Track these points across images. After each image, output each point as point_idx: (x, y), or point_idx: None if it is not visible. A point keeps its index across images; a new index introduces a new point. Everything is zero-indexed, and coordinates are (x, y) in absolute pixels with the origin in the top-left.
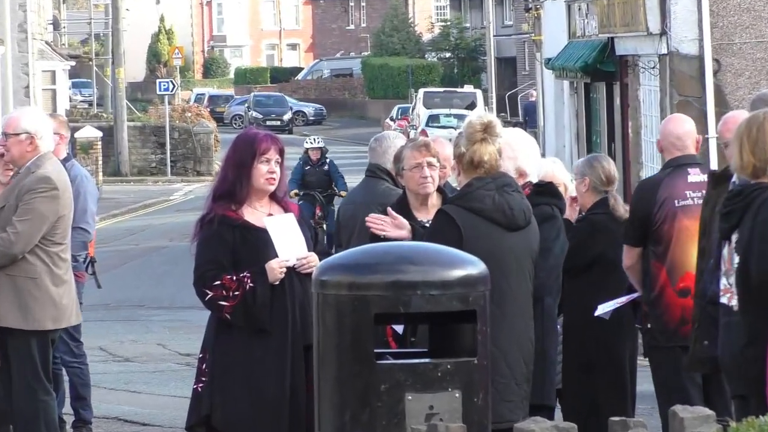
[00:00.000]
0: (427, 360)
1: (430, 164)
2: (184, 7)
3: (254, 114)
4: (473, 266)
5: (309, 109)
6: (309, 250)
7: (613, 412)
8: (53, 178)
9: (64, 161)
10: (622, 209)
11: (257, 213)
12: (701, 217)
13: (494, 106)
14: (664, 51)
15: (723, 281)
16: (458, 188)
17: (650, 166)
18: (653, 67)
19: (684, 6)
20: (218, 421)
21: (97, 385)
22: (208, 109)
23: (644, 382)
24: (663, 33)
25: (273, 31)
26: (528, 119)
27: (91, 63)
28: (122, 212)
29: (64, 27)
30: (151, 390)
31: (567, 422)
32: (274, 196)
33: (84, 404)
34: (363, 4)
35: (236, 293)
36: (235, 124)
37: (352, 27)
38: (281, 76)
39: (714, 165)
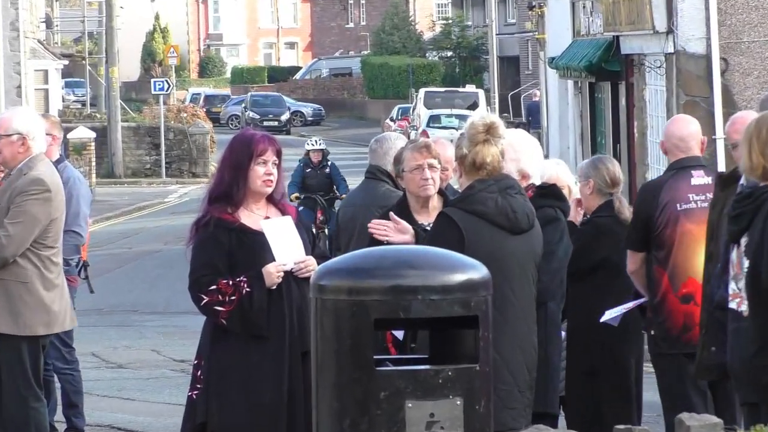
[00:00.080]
0: (427, 366)
1: (431, 166)
2: (179, 4)
3: (251, 114)
4: (475, 270)
5: (307, 109)
6: (307, 254)
7: (618, 419)
8: (46, 180)
9: (57, 162)
10: (628, 212)
11: (254, 216)
12: (709, 220)
13: (497, 106)
14: (671, 50)
15: (732, 286)
16: (460, 190)
17: (656, 167)
18: (659, 67)
19: (691, 4)
20: (215, 427)
21: (89, 392)
22: (204, 110)
23: (650, 389)
24: (669, 31)
25: (270, 30)
26: (531, 120)
27: (84, 62)
28: (116, 215)
29: (56, 25)
30: (145, 397)
31: (571, 430)
32: (271, 199)
33: (76, 412)
34: (363, 1)
35: (232, 298)
36: (232, 124)
37: (351, 25)
38: (279, 75)
39: (722, 167)
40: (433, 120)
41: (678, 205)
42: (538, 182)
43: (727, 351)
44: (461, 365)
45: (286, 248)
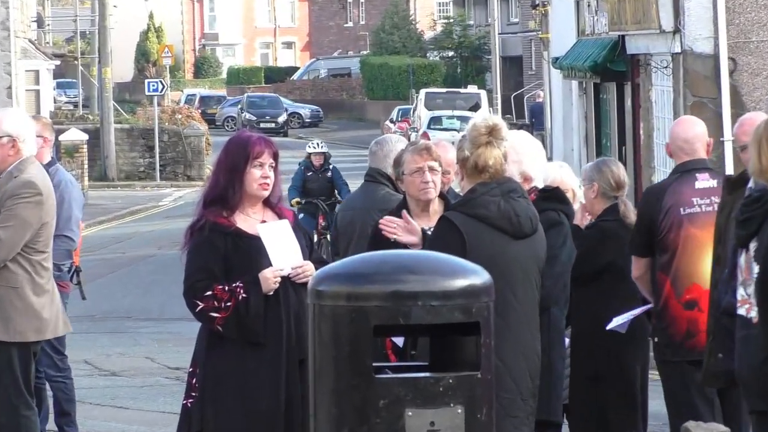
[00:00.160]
0: (427, 374)
1: (431, 169)
2: (174, 3)
3: (247, 116)
4: (477, 276)
5: (305, 110)
6: (304, 258)
7: (623, 426)
8: (37, 182)
9: (48, 165)
10: (633, 215)
11: (250, 220)
12: (716, 224)
13: (499, 107)
14: (678, 50)
15: (740, 291)
16: (461, 194)
17: (663, 170)
18: (666, 67)
19: (698, 2)
20: None
21: (82, 401)
22: (199, 111)
23: (657, 397)
24: (676, 31)
25: (267, 29)
26: (534, 121)
27: (76, 62)
28: (109, 219)
29: (48, 24)
30: (139, 406)
31: None
32: (267, 202)
33: (68, 420)
34: (362, 0)
35: (228, 304)
36: (228, 126)
37: (350, 24)
38: (276, 76)
39: (730, 169)
40: (434, 121)
41: (681, 209)
42: (540, 185)
43: (735, 358)
44: (462, 373)
45: (283, 253)
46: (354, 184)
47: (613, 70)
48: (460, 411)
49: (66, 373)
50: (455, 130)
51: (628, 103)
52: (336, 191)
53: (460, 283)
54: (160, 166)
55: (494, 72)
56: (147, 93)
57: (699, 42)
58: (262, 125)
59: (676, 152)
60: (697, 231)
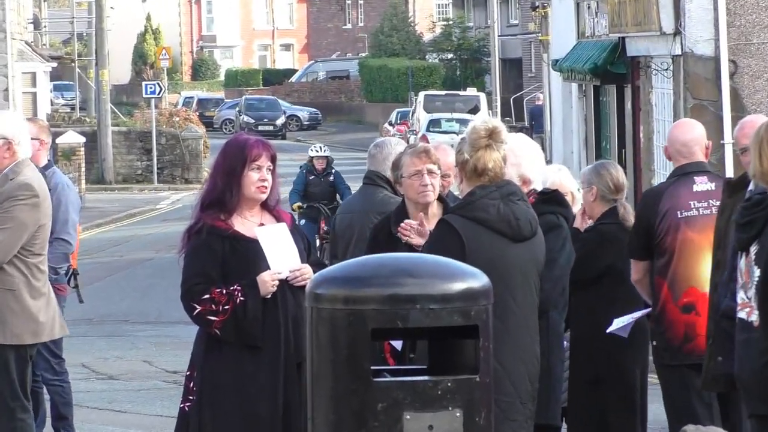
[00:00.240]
0: (426, 377)
1: (430, 171)
2: (171, 5)
3: (245, 118)
4: (475, 279)
5: (303, 113)
6: (302, 262)
7: (622, 430)
8: (34, 185)
9: (45, 168)
10: (632, 218)
11: (248, 223)
12: (716, 227)
13: (498, 110)
14: (678, 52)
15: (741, 295)
16: (460, 197)
17: (663, 173)
18: (666, 69)
19: (699, 4)
20: None
21: (79, 404)
22: (197, 113)
23: (656, 402)
24: (677, 33)
25: (265, 31)
26: (534, 124)
27: (73, 64)
28: (106, 222)
29: (45, 26)
30: (137, 409)
31: None
32: (265, 205)
33: (66, 424)
34: (360, 2)
35: (226, 307)
36: (226, 129)
37: (349, 26)
38: (274, 78)
39: (730, 172)
40: (433, 124)
41: (679, 212)
42: (539, 188)
43: (735, 361)
44: (461, 376)
45: (281, 256)
46: (353, 187)
47: (613, 73)
48: (458, 414)
49: (63, 376)
50: (454, 132)
51: (628, 105)
52: (338, 195)
53: (458, 286)
54: (158, 168)
55: (494, 74)
56: (144, 95)
57: (699, 44)
58: (260, 128)
59: (674, 155)
60: (694, 234)
